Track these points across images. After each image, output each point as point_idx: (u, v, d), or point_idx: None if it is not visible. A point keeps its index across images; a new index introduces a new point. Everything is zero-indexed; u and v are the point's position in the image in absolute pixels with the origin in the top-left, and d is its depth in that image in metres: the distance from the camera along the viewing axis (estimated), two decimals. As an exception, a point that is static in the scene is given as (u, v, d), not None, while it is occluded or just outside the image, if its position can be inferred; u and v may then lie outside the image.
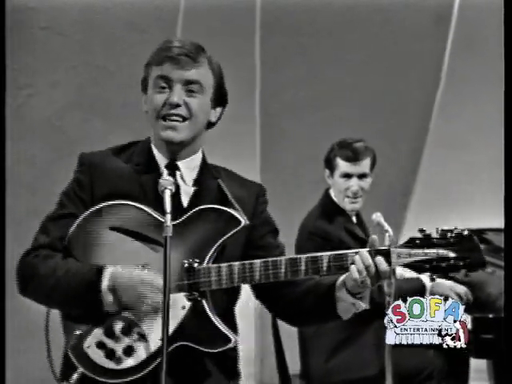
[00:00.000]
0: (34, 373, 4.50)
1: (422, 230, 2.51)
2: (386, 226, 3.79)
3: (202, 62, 2.62)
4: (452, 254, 2.47)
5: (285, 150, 5.54)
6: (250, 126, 5.44)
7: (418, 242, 2.49)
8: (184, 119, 2.61)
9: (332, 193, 4.37)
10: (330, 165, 4.34)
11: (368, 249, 2.50)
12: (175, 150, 2.66)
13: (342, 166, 4.29)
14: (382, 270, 2.47)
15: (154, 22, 5.25)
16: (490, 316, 3.79)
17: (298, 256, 2.53)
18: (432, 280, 2.53)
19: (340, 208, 4.35)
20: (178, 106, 2.59)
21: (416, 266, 2.49)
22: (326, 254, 2.51)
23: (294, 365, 4.35)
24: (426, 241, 2.49)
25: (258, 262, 2.52)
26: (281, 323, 4.06)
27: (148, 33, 5.21)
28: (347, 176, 4.29)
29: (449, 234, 2.49)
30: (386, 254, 2.48)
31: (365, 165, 4.30)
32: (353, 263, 2.48)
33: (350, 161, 4.28)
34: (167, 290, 2.35)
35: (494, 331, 3.75)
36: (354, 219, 4.43)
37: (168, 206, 2.41)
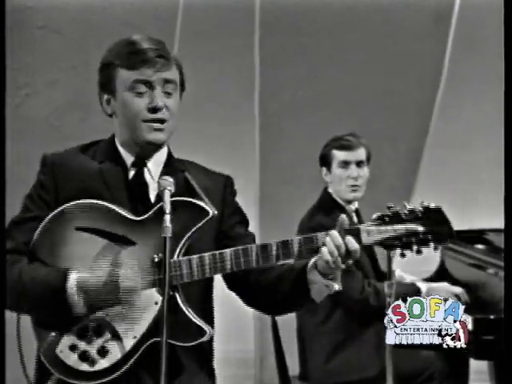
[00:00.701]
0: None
1: (389, 207, 2.49)
2: (387, 227, 3.77)
3: (173, 62, 2.62)
4: (420, 228, 2.46)
5: (284, 149, 5.54)
6: (249, 126, 5.42)
7: (386, 218, 2.47)
8: (166, 122, 2.59)
9: (331, 190, 4.36)
10: (326, 160, 4.35)
11: (338, 229, 2.48)
12: (152, 150, 2.65)
13: (339, 155, 4.31)
14: (351, 249, 2.45)
15: (152, 22, 5.24)
16: (491, 317, 3.77)
17: (269, 242, 2.51)
18: (402, 256, 2.51)
19: (340, 205, 4.34)
20: (161, 109, 2.58)
21: (386, 244, 2.48)
22: (296, 238, 2.50)
23: (293, 366, 4.34)
24: (394, 217, 2.47)
25: (228, 251, 2.51)
26: (281, 324, 4.06)
27: (146, 32, 5.18)
28: (346, 164, 4.30)
29: (416, 209, 2.47)
30: (356, 233, 2.47)
31: (361, 153, 4.32)
32: (324, 245, 2.47)
33: (346, 149, 4.30)
34: (166, 290, 2.34)
35: (495, 332, 3.73)
36: (355, 218, 4.41)
37: (167, 207, 2.39)
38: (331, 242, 2.46)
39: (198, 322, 2.51)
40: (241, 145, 5.35)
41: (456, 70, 5.60)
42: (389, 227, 2.47)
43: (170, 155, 2.72)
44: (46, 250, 2.56)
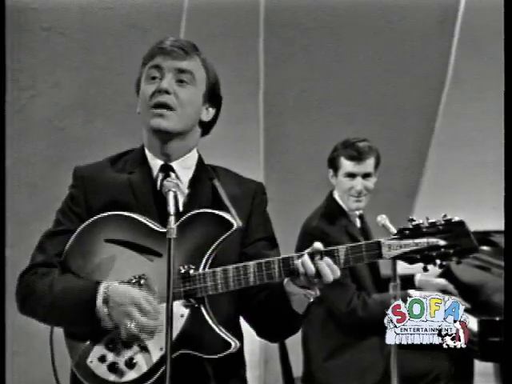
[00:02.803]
0: (34, 374, 4.49)
1: (411, 220, 2.49)
2: (392, 229, 3.76)
3: (194, 57, 2.62)
4: (442, 242, 2.45)
5: (288, 149, 5.53)
6: (253, 126, 5.42)
7: (407, 232, 2.47)
8: (172, 109, 2.58)
9: (336, 194, 4.36)
10: (333, 164, 4.33)
11: (310, 252, 2.46)
12: (166, 140, 2.62)
13: (346, 165, 4.28)
14: (323, 273, 2.43)
15: (156, 22, 5.24)
16: (497, 319, 3.77)
17: (291, 255, 2.50)
18: (425, 270, 2.50)
19: (343, 210, 4.33)
20: (167, 92, 2.57)
21: (407, 257, 2.47)
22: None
23: (298, 368, 4.33)
24: (415, 231, 2.47)
25: (251, 263, 2.49)
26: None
27: (151, 33, 5.19)
28: (351, 175, 4.28)
29: (438, 222, 2.47)
30: (377, 248, 2.45)
31: (369, 164, 4.29)
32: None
33: (354, 160, 4.27)
34: (170, 294, 2.33)
35: (501, 334, 3.73)
36: (358, 222, 4.40)
37: (171, 208, 2.38)
38: (301, 266, 2.45)
39: (223, 335, 2.49)
40: (245, 145, 5.35)
41: (461, 71, 5.59)
42: (410, 241, 2.47)
43: (200, 161, 2.70)
44: (76, 261, 2.57)
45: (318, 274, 2.44)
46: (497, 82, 4.24)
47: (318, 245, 2.47)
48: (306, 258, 2.45)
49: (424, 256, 2.46)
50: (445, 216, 2.48)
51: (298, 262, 2.45)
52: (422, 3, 5.52)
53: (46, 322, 2.58)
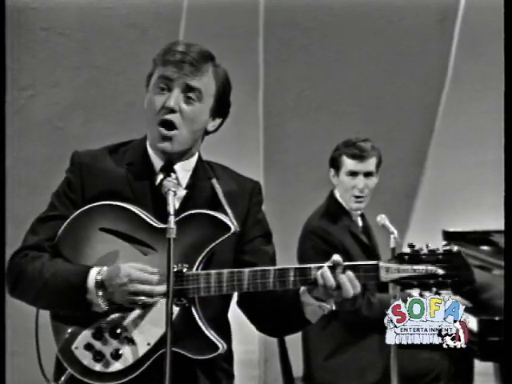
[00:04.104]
0: (34, 374, 4.48)
1: (411, 246, 2.50)
2: (392, 228, 3.77)
3: (205, 71, 2.56)
4: (440, 271, 2.46)
5: (288, 149, 5.53)
6: (253, 126, 5.42)
7: (406, 257, 2.48)
8: (176, 128, 2.56)
9: (337, 193, 4.36)
10: (335, 164, 4.33)
11: (330, 264, 2.46)
12: (172, 157, 2.63)
13: (349, 164, 4.29)
14: (344, 288, 2.44)
15: (156, 22, 5.24)
16: (496, 318, 3.77)
17: (287, 267, 2.49)
18: (421, 296, 2.51)
19: (345, 210, 4.33)
20: (173, 111, 2.54)
21: (404, 283, 2.49)
22: (315, 266, 2.48)
23: (298, 368, 4.33)
24: (414, 257, 2.48)
25: (246, 270, 2.49)
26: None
27: (150, 32, 5.19)
28: (353, 174, 4.28)
29: (438, 251, 2.48)
30: (375, 270, 2.46)
31: (371, 163, 4.29)
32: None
33: (356, 158, 4.27)
34: (170, 294, 2.32)
35: (500, 333, 3.73)
36: (360, 222, 4.40)
37: (171, 208, 2.38)
38: (321, 278, 2.45)
39: (211, 337, 2.49)
40: (245, 145, 5.34)
41: (461, 71, 5.59)
42: (408, 266, 2.47)
43: (199, 160, 2.69)
44: (69, 247, 2.56)
45: (338, 287, 2.44)
46: (497, 81, 4.24)
47: (337, 257, 2.47)
48: (326, 270, 2.44)
49: (421, 283, 2.47)
50: (444, 245, 2.49)
51: (318, 274, 2.45)
52: (422, 3, 5.53)
53: (35, 305, 2.57)
